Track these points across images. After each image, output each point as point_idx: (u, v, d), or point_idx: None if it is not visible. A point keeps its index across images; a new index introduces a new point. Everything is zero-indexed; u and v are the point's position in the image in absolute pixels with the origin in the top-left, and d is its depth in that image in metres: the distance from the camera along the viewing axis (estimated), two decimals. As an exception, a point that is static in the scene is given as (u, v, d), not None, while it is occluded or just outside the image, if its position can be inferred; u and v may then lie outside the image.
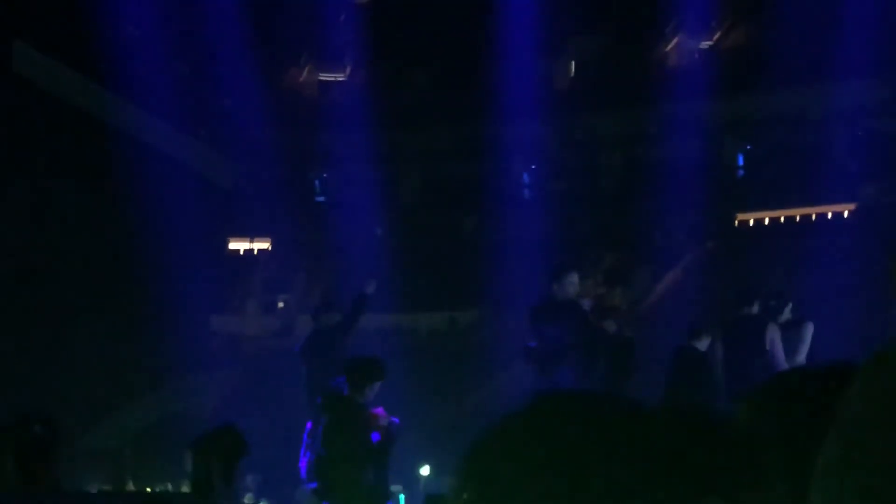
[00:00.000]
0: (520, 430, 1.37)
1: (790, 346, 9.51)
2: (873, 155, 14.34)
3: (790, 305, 9.87)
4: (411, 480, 11.19)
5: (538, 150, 16.48)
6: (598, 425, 1.36)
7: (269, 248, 17.14)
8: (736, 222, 15.65)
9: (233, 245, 16.98)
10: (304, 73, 17.54)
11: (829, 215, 14.84)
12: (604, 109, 15.95)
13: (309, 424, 9.86)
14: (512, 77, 15.52)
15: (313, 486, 8.97)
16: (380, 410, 8.68)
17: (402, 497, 10.18)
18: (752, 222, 15.50)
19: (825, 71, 14.06)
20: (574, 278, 9.63)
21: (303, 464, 9.71)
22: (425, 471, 11.36)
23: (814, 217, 14.98)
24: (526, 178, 17.07)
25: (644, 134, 15.58)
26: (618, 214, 15.67)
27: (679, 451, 1.35)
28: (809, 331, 9.91)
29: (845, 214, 14.78)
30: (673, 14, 15.76)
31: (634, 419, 1.37)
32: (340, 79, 17.33)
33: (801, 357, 9.78)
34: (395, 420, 8.74)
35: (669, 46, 16.28)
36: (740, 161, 15.61)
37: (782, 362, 9.26)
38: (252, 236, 17.10)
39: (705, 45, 16.07)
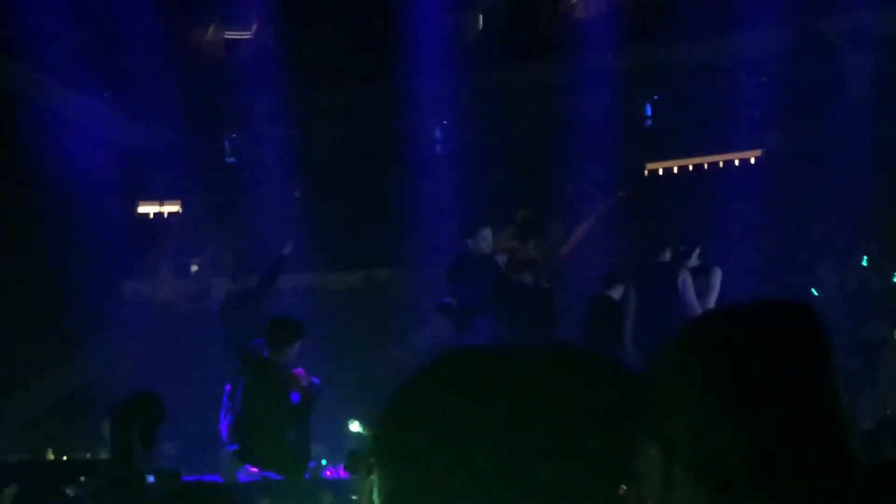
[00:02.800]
0: (426, 385, 1.40)
1: (700, 291, 9.67)
2: (779, 102, 14.57)
3: (698, 251, 10.03)
4: (335, 439, 11.20)
5: (449, 104, 16.46)
6: (499, 376, 1.38)
7: (180, 211, 16.94)
8: (645, 172, 15.82)
9: (142, 209, 16.75)
10: (210, 32, 17.28)
11: (736, 162, 15.07)
12: (513, 62, 15.98)
13: (228, 387, 9.83)
14: (421, 32, 15.45)
15: (234, 448, 8.94)
16: (300, 371, 8.67)
17: (323, 461, 10.20)
18: (661, 171, 15.69)
19: (731, 20, 14.21)
20: (487, 234, 9.67)
21: (223, 426, 9.68)
22: (355, 427, 11.39)
23: (721, 164, 15.20)
24: (438, 133, 17.06)
25: (553, 86, 15.63)
26: (530, 167, 15.75)
27: (575, 392, 1.38)
28: (718, 275, 10.10)
29: (752, 161, 15.02)
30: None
31: (533, 366, 1.40)
32: (247, 37, 17.11)
33: (711, 301, 9.96)
34: (316, 380, 8.74)
35: (577, -3, 16.35)
36: (648, 111, 15.76)
37: (694, 306, 9.43)
38: (162, 199, 16.89)
39: (612, -5, 16.15)
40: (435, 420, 1.36)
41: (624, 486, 2.40)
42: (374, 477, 1.40)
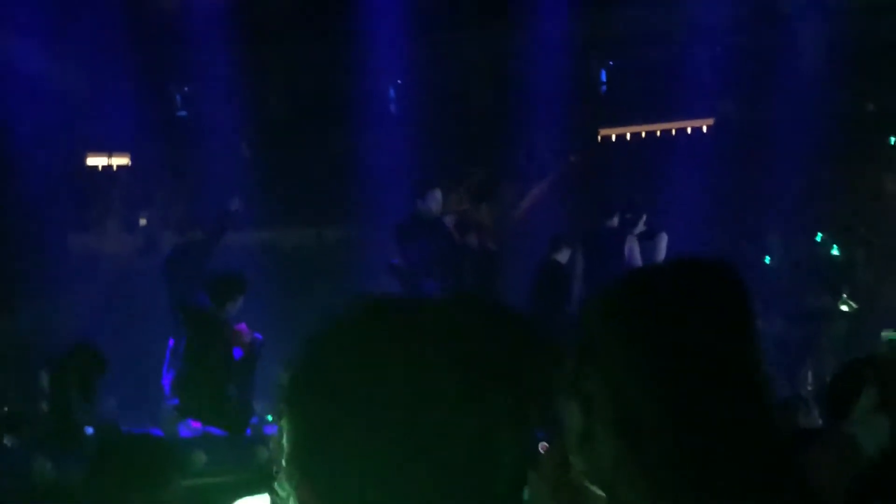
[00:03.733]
0: (336, 333, 1.38)
1: (646, 257, 9.74)
2: (731, 71, 14.62)
3: (644, 217, 10.11)
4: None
5: (404, 65, 16.38)
6: (408, 325, 1.37)
7: (129, 164, 16.77)
8: (599, 138, 15.85)
9: (91, 161, 16.56)
10: (164, -17, 17.03)
11: (689, 130, 15.14)
12: (468, 25, 15.91)
13: (171, 341, 9.78)
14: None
15: (175, 402, 8.92)
16: (242, 326, 8.63)
17: (269, 417, 10.19)
18: (614, 138, 15.73)
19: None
20: (437, 195, 9.67)
21: (166, 381, 9.65)
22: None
23: (674, 132, 15.26)
24: (392, 93, 16.98)
25: (508, 50, 15.59)
26: (483, 130, 15.73)
27: (482, 345, 1.37)
28: (664, 241, 10.20)
29: (704, 129, 15.09)
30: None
31: (443, 318, 1.39)
32: (201, -11, 16.87)
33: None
34: (258, 336, 8.70)
35: (533, -38, 16.26)
36: (603, 77, 15.76)
37: (639, 273, 9.50)
38: (111, 152, 16.69)
39: (568, -40, 16.08)
40: (343, 368, 1.35)
41: (545, 444, 2.40)
42: (282, 423, 1.39)
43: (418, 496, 1.31)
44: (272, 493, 1.48)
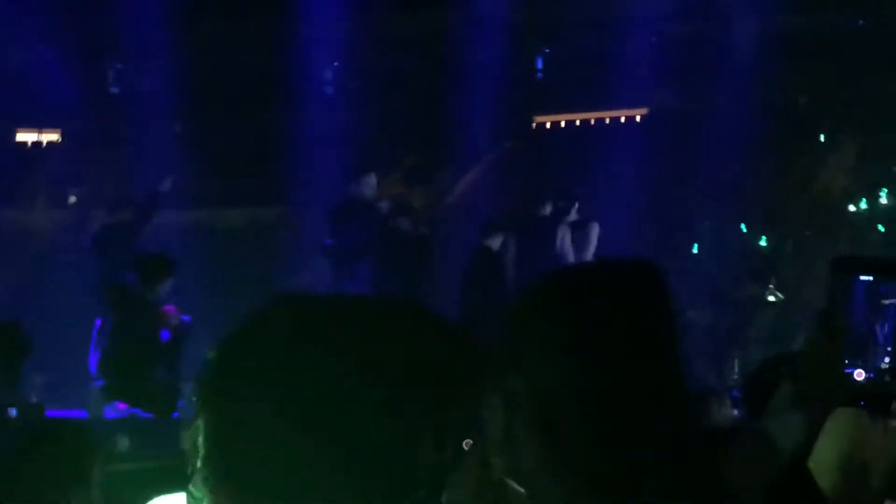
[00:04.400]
0: (254, 331, 1.37)
1: (577, 246, 9.79)
2: (666, 60, 14.73)
3: (577, 206, 10.15)
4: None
5: (341, 46, 16.29)
6: (329, 325, 1.36)
7: (60, 140, 16.52)
8: (533, 124, 15.89)
9: (20, 136, 16.28)
10: (96, -43, 16.76)
11: (623, 119, 15.22)
12: (405, 7, 15.86)
13: (98, 321, 9.66)
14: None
15: (101, 383, 8.82)
16: (170, 308, 8.55)
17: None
18: (549, 125, 15.78)
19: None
20: (371, 179, 9.66)
21: (92, 361, 9.53)
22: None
23: (608, 121, 15.34)
24: (329, 74, 16.88)
25: (445, 33, 15.56)
26: (419, 114, 15.69)
27: (403, 346, 1.37)
28: (595, 231, 10.27)
29: (637, 118, 15.19)
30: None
31: (364, 318, 1.38)
32: (136, -36, 16.63)
33: (588, 256, 10.10)
34: (186, 318, 8.63)
35: (472, -55, 16.23)
36: (539, 64, 15.79)
37: (570, 261, 9.54)
38: (41, 127, 16.43)
39: (506, -55, 16.08)
40: (260, 367, 1.34)
41: (469, 441, 2.40)
42: (198, 423, 1.37)
43: (335, 497, 1.31)
44: (188, 491, 1.47)
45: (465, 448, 2.15)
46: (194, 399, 1.37)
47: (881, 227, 12.97)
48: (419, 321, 1.41)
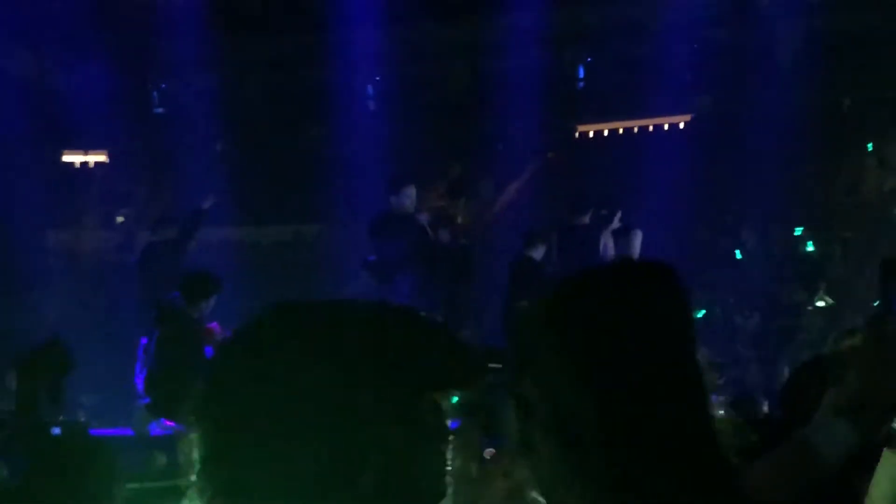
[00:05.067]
0: (247, 344, 1.35)
1: (621, 253, 9.72)
2: (709, 67, 14.64)
3: (619, 214, 10.08)
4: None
5: (382, 59, 16.34)
6: (322, 334, 1.34)
7: (107, 161, 16.70)
8: (576, 134, 15.84)
9: (67, 157, 16.48)
10: (141, -23, 16.94)
11: (666, 126, 15.13)
12: (446, 18, 15.88)
13: (144, 340, 9.72)
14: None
15: (147, 401, 8.86)
16: (215, 325, 8.58)
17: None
18: (591, 134, 15.72)
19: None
20: (411, 191, 9.64)
21: (139, 379, 9.59)
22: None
23: (651, 128, 15.25)
24: (370, 89, 16.94)
25: (486, 44, 15.56)
26: (461, 125, 15.70)
27: (398, 353, 1.35)
28: (638, 238, 10.19)
29: (681, 125, 15.09)
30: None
31: (358, 326, 1.36)
32: (178, -15, 16.80)
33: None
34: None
35: (512, -45, 16.23)
36: (580, 73, 15.74)
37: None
38: (88, 148, 16.63)
39: (547, -45, 16.07)
40: (254, 378, 1.32)
41: (491, 450, 2.37)
42: (195, 436, 1.36)
43: None
44: (191, 504, 1.45)
45: (487, 457, 2.12)
46: (190, 413, 1.36)
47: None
48: (415, 327, 1.39)
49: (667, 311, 1.78)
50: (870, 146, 14.14)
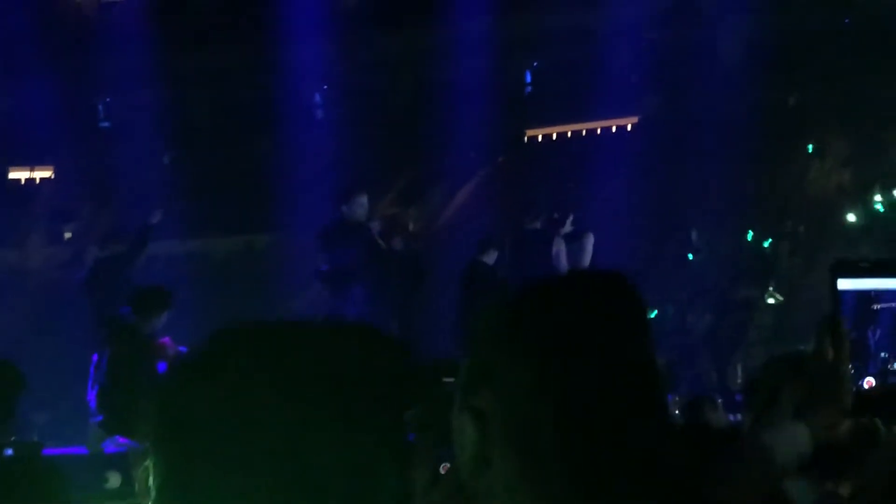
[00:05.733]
0: (200, 365, 1.33)
1: (573, 257, 9.76)
2: (654, 69, 14.74)
3: (571, 218, 10.12)
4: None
5: (328, 70, 16.32)
6: (276, 352, 1.32)
7: (52, 177, 16.52)
8: (525, 138, 15.89)
9: (13, 174, 16.30)
10: (82, -8, 16.81)
11: (614, 129, 15.21)
12: (390, 27, 15.88)
13: (95, 356, 9.62)
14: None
15: (100, 419, 8.77)
16: (166, 340, 8.51)
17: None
18: (540, 138, 15.78)
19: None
20: (363, 200, 9.62)
21: (91, 397, 9.49)
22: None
23: (599, 131, 15.33)
24: (317, 98, 16.90)
25: (432, 51, 15.59)
26: (410, 132, 15.70)
27: (356, 368, 1.33)
28: (590, 242, 10.23)
29: (629, 128, 15.18)
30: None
31: (313, 343, 1.35)
32: (120, -1, 16.69)
33: (585, 266, 10.07)
34: (183, 349, 8.59)
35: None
36: (528, 78, 15.80)
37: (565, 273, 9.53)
38: (33, 164, 16.45)
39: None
40: (209, 400, 1.29)
41: (446, 464, 2.35)
42: (148, 462, 1.33)
43: None
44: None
45: (442, 472, 2.10)
46: (144, 439, 1.33)
47: (880, 224, 12.95)
48: (370, 343, 1.37)
49: (623, 319, 1.79)
50: (810, 148, 14.30)
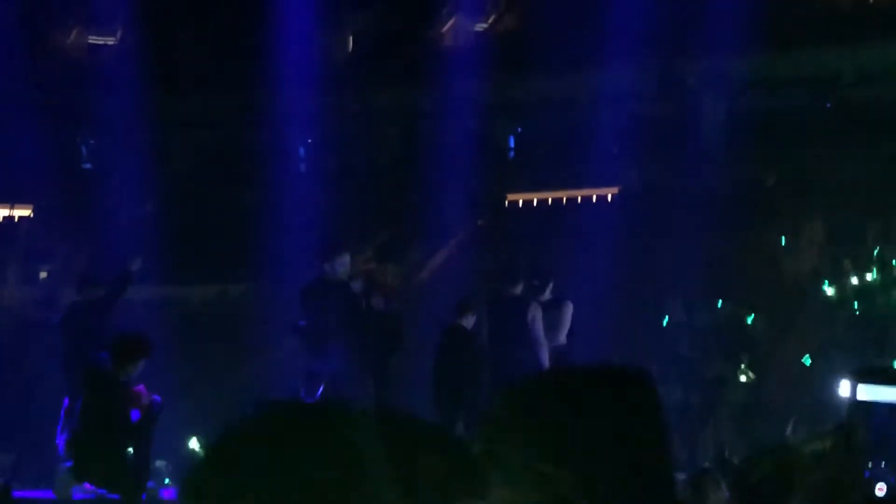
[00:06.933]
0: (240, 439, 1.36)
1: (551, 325, 9.80)
2: (637, 140, 14.90)
3: (551, 285, 10.16)
4: (178, 455, 11.01)
5: (315, 122, 16.40)
6: (317, 437, 1.36)
7: (32, 215, 16.47)
8: (506, 202, 15.98)
9: (-8, 211, 16.25)
10: (73, 35, 16.88)
11: (594, 198, 15.32)
12: (380, 85, 16.02)
13: (66, 400, 9.55)
14: (289, 46, 15.38)
15: (69, 464, 8.70)
16: (141, 388, 8.48)
17: (166, 480, 10.02)
18: (521, 203, 15.87)
19: (593, 56, 14.50)
20: (345, 259, 9.64)
21: (60, 440, 9.41)
22: (194, 444, 11.22)
23: (579, 199, 15.44)
24: (302, 151, 16.97)
25: (419, 111, 15.73)
26: (392, 190, 15.78)
27: (399, 457, 1.37)
28: (569, 310, 10.26)
29: (609, 198, 15.30)
30: (450, -4, 15.95)
31: (355, 429, 1.38)
32: (111, 42, 16.77)
33: (562, 336, 10.12)
34: (157, 398, 8.56)
35: (445, 26, 16.47)
36: (511, 142, 15.94)
37: (541, 340, 9.55)
38: (13, 202, 16.39)
39: (480, 27, 16.32)
40: (247, 478, 1.33)
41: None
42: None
43: None
44: None
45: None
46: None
47: (853, 305, 13.04)
48: (416, 433, 1.41)
49: (644, 414, 1.83)
50: (783, 240, 14.42)
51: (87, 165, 16.60)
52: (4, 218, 16.38)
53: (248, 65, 15.67)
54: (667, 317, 13.26)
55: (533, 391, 1.87)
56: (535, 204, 15.77)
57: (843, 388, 10.41)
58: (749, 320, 13.17)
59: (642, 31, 14.07)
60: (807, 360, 12.49)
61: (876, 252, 13.53)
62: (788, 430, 10.68)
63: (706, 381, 12.56)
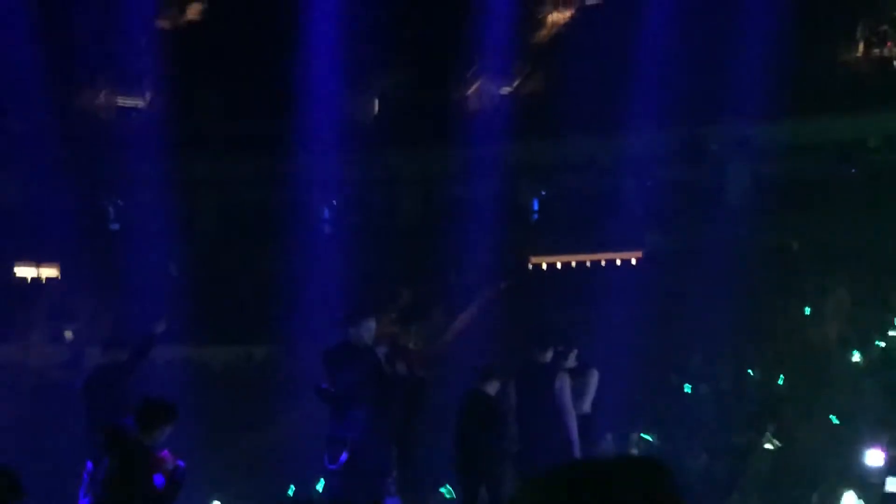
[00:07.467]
0: None
1: (577, 392, 9.74)
2: (661, 204, 14.91)
3: (575, 352, 10.11)
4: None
5: (339, 184, 16.50)
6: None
7: (58, 276, 16.58)
8: (529, 265, 15.98)
9: (19, 271, 16.36)
10: (102, 97, 17.09)
11: (618, 262, 15.31)
12: (405, 147, 16.13)
13: (90, 465, 9.53)
14: (315, 109, 15.52)
15: (92, 530, 8.67)
16: (165, 453, 8.45)
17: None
18: (544, 265, 15.87)
19: (617, 120, 14.58)
20: (371, 324, 9.62)
21: (83, 505, 9.39)
22: (216, 506, 11.20)
23: (603, 263, 15.43)
24: (326, 212, 17.04)
25: (443, 174, 15.81)
26: (415, 252, 15.82)
27: None
28: (594, 378, 10.20)
29: (633, 261, 15.28)
30: (475, 59, 16.07)
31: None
32: (140, 105, 16.97)
33: (587, 402, 10.05)
34: (181, 464, 8.53)
35: (471, 90, 16.60)
36: (535, 205, 15.98)
37: (570, 409, 9.49)
38: (40, 262, 16.51)
39: (505, 90, 16.44)
40: None
41: None
42: None
43: None
44: None
45: None
46: None
47: (880, 372, 12.92)
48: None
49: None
50: (807, 310, 14.35)
51: (115, 226, 16.72)
52: (32, 278, 16.50)
53: (273, 127, 15.82)
54: (692, 383, 13.19)
55: (555, 486, 1.88)
56: (558, 267, 15.78)
57: (872, 458, 10.33)
58: (780, 381, 13.08)
59: (667, 95, 14.14)
60: (834, 419, 12.38)
61: (901, 318, 13.46)
62: (815, 499, 10.56)
63: (731, 449, 12.45)
